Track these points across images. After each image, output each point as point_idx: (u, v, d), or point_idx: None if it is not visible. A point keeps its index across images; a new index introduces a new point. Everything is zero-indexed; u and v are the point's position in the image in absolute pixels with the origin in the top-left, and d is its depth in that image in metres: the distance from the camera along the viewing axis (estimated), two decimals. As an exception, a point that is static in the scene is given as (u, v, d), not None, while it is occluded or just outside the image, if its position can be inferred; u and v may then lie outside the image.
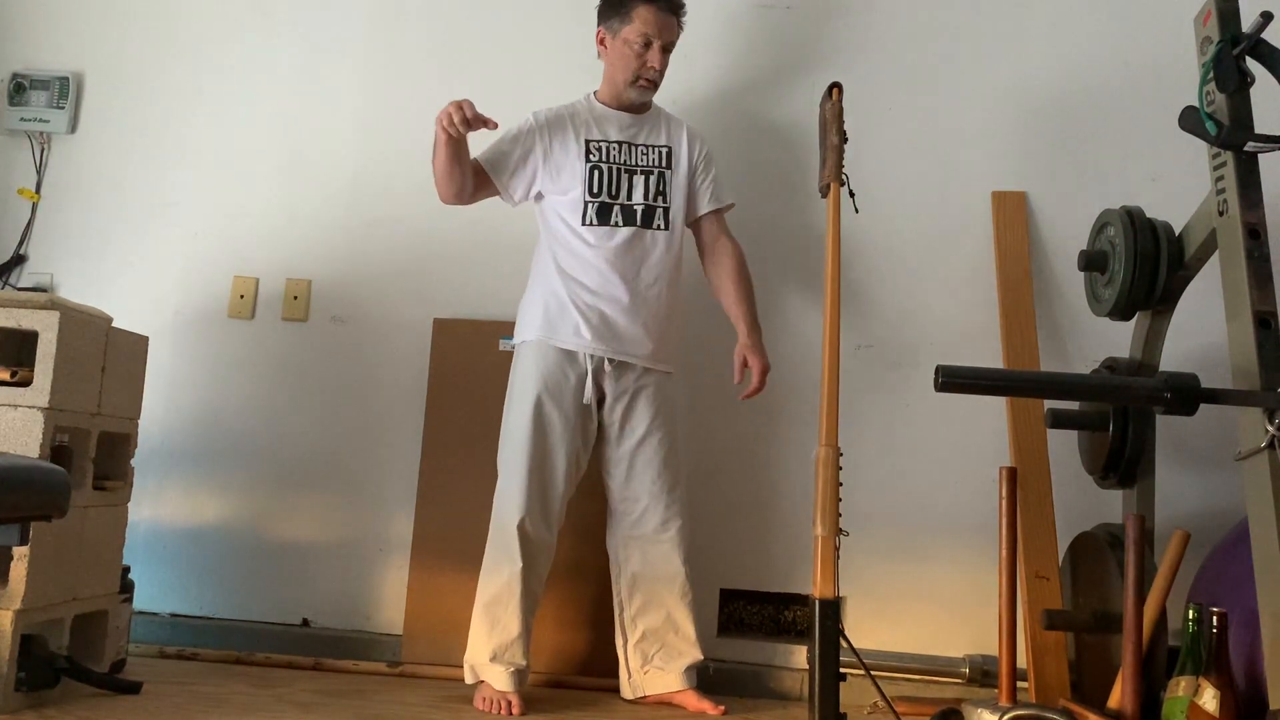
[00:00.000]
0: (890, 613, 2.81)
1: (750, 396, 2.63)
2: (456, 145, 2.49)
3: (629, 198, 2.61)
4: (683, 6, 2.66)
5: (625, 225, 2.59)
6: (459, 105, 2.42)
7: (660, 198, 2.64)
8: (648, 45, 2.61)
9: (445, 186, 2.58)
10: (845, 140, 2.59)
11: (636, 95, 2.65)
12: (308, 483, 3.00)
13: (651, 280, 2.60)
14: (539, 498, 2.50)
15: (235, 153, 3.13)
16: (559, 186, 2.62)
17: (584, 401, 2.55)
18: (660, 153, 2.67)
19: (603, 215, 2.58)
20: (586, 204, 2.58)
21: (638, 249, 2.60)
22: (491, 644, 2.47)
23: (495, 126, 2.47)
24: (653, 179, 2.64)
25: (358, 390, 3.02)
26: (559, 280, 2.58)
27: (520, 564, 2.47)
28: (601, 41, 2.67)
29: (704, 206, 2.72)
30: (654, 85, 2.66)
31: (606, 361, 2.56)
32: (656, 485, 2.58)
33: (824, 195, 2.57)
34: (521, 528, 2.48)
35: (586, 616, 2.77)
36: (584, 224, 2.58)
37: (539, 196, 2.66)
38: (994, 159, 2.95)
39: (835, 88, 2.64)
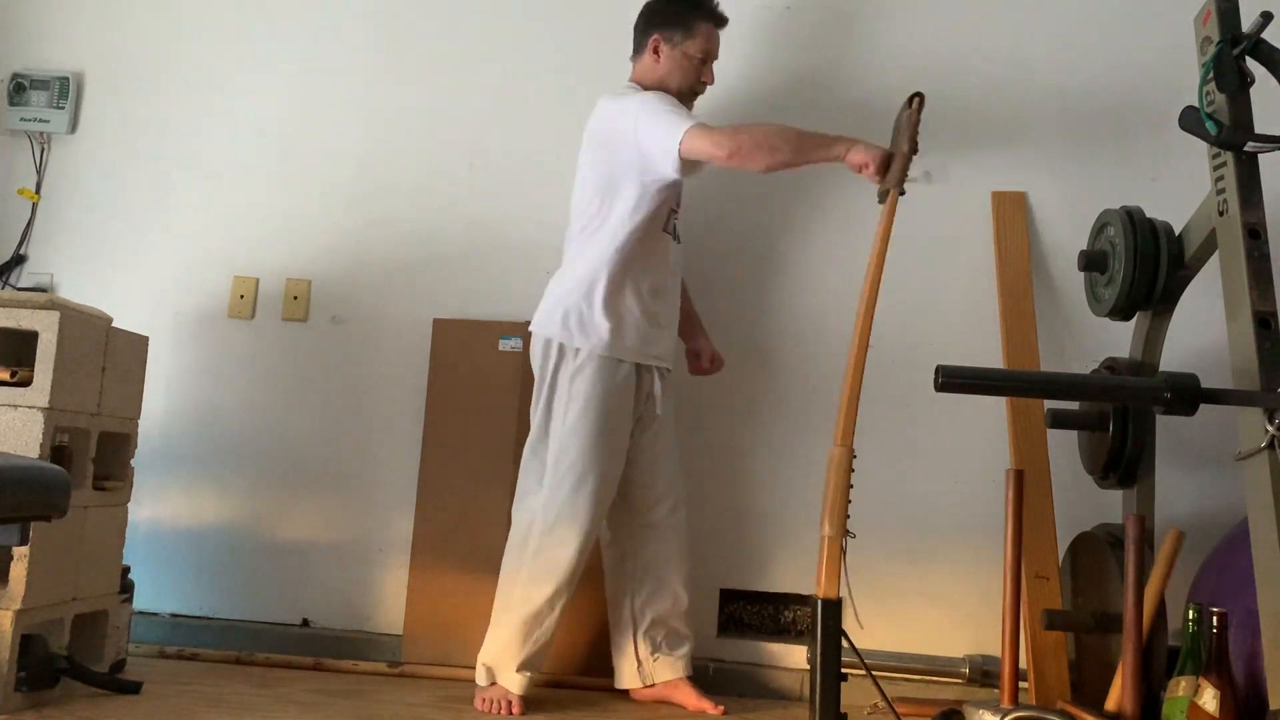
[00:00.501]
0: (891, 613, 2.81)
1: (701, 374, 2.79)
2: None
3: (676, 206, 2.63)
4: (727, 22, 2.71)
5: (673, 237, 2.63)
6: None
7: (679, 209, 2.66)
8: (705, 61, 2.64)
9: (781, 167, 2.49)
10: (915, 151, 2.48)
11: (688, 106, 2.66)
12: (308, 483, 3.00)
13: (679, 290, 2.68)
14: (601, 515, 2.52)
15: (235, 153, 3.13)
16: (651, 185, 2.51)
17: (638, 408, 2.57)
18: None
19: (670, 224, 2.61)
20: (672, 212, 2.60)
21: (676, 259, 2.64)
22: (523, 654, 2.46)
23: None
24: (678, 190, 2.65)
25: (358, 390, 3.02)
26: (633, 288, 2.52)
27: (570, 582, 2.47)
28: (655, 49, 2.63)
29: None
30: (696, 97, 2.68)
31: (656, 370, 2.60)
32: (669, 471, 2.63)
33: (881, 201, 2.50)
34: (585, 546, 2.47)
35: (589, 617, 2.77)
36: (664, 230, 2.58)
37: (621, 187, 2.52)
38: (994, 159, 2.95)
39: (917, 97, 2.53)
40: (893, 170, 2.46)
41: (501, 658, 2.48)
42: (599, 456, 2.48)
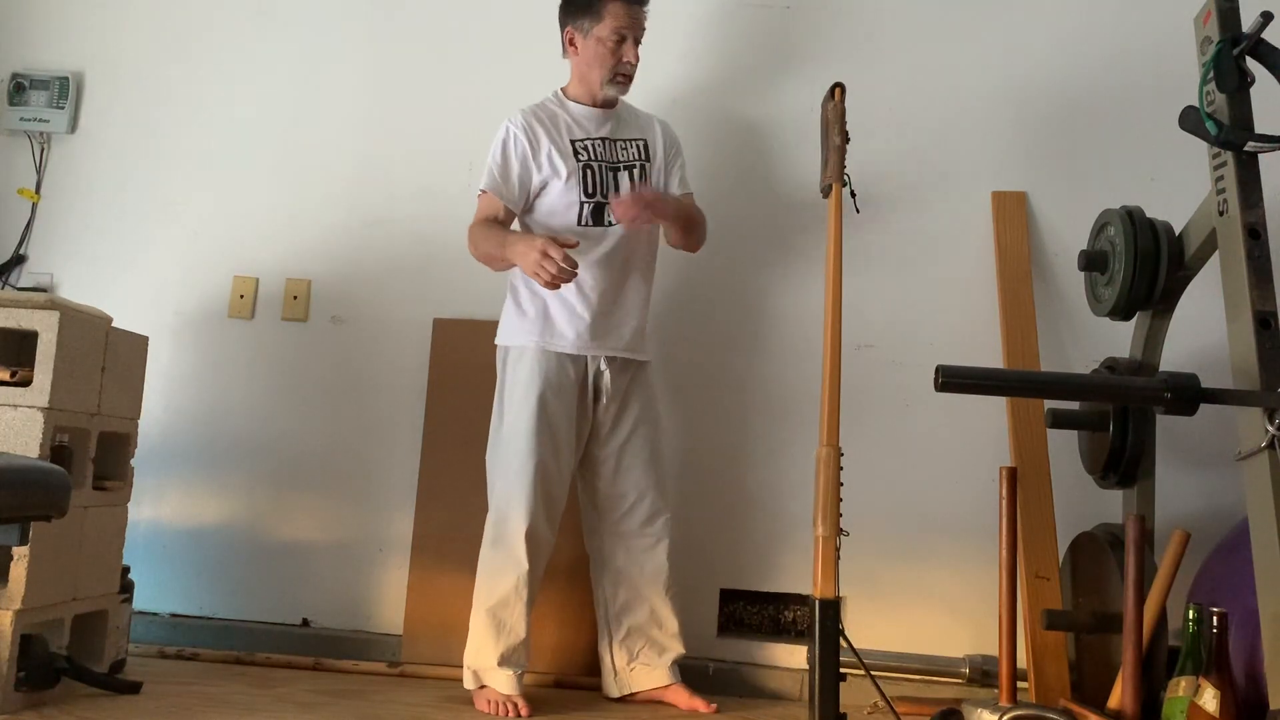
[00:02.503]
0: (890, 613, 2.81)
1: (628, 215, 2.52)
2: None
3: (618, 195, 2.60)
4: None
5: (618, 224, 2.59)
6: (550, 257, 2.37)
7: (599, 193, 2.62)
8: (621, 41, 2.60)
9: (490, 266, 2.62)
10: (847, 140, 2.57)
11: (614, 91, 2.64)
12: (308, 483, 3.00)
13: (640, 275, 2.63)
14: (544, 502, 2.50)
15: (235, 153, 3.13)
16: (549, 188, 2.60)
17: (585, 401, 2.56)
18: (638, 146, 2.68)
19: (597, 216, 2.58)
20: (582, 204, 2.58)
21: (627, 245, 2.60)
22: (499, 648, 2.46)
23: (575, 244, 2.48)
24: (635, 173, 2.64)
25: (358, 390, 3.02)
26: None
27: (526, 567, 2.47)
28: (571, 41, 2.65)
29: (673, 191, 2.71)
30: (629, 80, 2.65)
31: (604, 360, 2.57)
32: (644, 480, 2.60)
33: (825, 195, 2.57)
34: (530, 534, 2.47)
35: (587, 616, 2.77)
36: (580, 224, 2.57)
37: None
38: (994, 159, 2.95)
39: (838, 88, 2.63)
40: (831, 164, 2.53)
41: (480, 655, 2.48)
42: (536, 444, 2.49)
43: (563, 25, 2.67)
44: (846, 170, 2.55)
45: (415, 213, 3.05)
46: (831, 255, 2.44)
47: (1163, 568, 2.24)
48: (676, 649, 2.59)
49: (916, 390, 2.84)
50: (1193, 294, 2.42)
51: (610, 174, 2.61)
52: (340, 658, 2.81)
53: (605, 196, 2.59)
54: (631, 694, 2.60)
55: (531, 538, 2.47)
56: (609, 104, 2.68)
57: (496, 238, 2.52)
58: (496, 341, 2.65)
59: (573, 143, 2.61)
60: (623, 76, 2.62)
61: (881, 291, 2.92)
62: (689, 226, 2.67)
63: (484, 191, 2.61)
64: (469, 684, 2.51)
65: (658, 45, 2.75)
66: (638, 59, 2.63)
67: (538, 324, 2.56)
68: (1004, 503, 2.28)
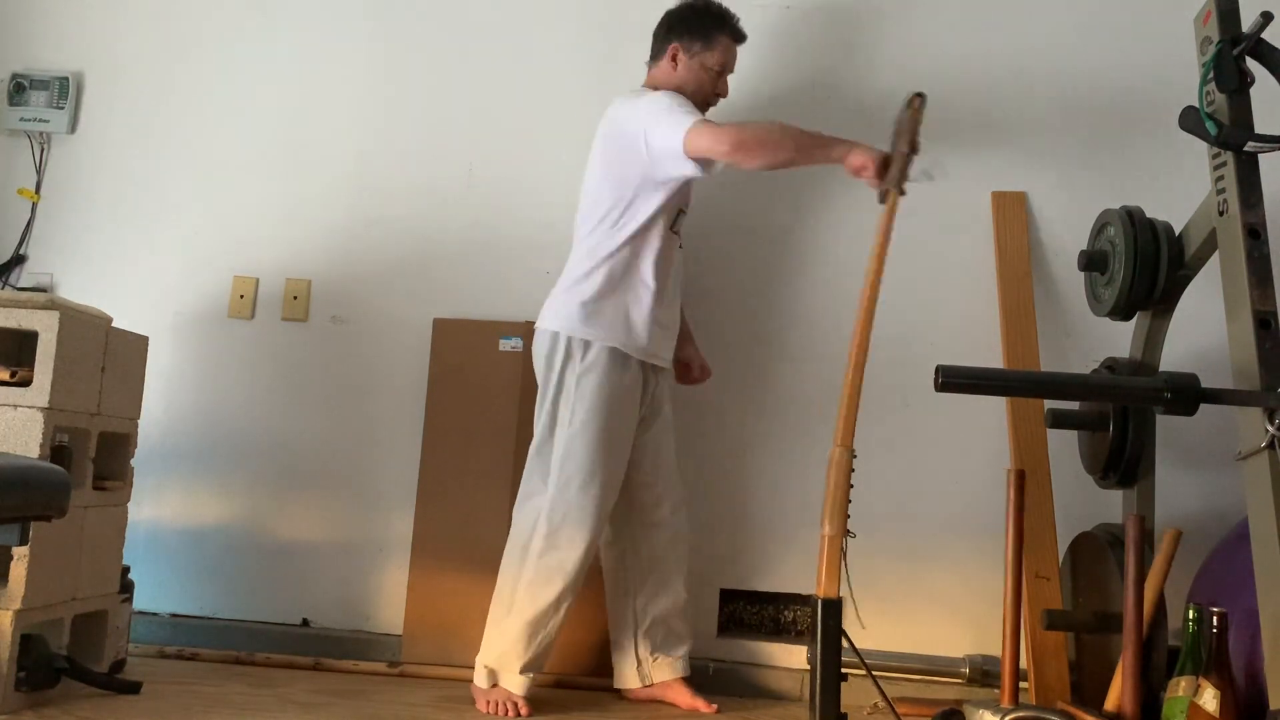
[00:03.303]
0: (890, 613, 2.81)
1: (689, 384, 2.79)
2: None
3: (684, 206, 2.63)
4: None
5: (678, 234, 2.62)
6: (890, 169, 2.44)
7: (687, 209, 2.66)
8: (722, 74, 2.66)
9: (781, 165, 2.57)
10: (915, 151, 2.49)
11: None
12: (308, 483, 3.00)
13: (679, 291, 2.68)
14: (606, 515, 2.51)
15: (235, 153, 3.12)
16: (660, 184, 2.52)
17: (640, 408, 2.57)
18: None
19: (677, 224, 2.61)
20: (680, 212, 2.60)
21: (680, 260, 2.66)
22: (528, 656, 2.45)
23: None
24: (687, 190, 2.65)
25: (358, 390, 3.02)
26: (643, 285, 2.52)
27: (576, 584, 2.47)
28: (674, 57, 2.64)
29: None
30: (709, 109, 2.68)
31: (655, 368, 2.60)
32: (670, 471, 2.64)
33: (882, 201, 2.48)
34: (588, 550, 2.46)
35: (592, 616, 2.76)
36: (671, 229, 2.58)
37: (643, 186, 2.52)
38: (994, 159, 2.95)
39: (917, 97, 2.57)
40: (892, 171, 2.46)
41: (505, 659, 2.47)
42: (606, 457, 2.47)
43: (668, 38, 2.66)
44: (909, 178, 2.48)
45: (415, 212, 3.05)
46: (875, 262, 2.39)
47: (1155, 564, 2.24)
48: (689, 639, 2.64)
49: (916, 390, 2.84)
50: (1193, 294, 2.42)
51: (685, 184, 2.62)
52: (340, 658, 2.81)
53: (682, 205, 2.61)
54: (651, 684, 2.61)
55: (589, 554, 2.48)
56: None
57: (811, 134, 2.47)
58: (551, 328, 2.52)
59: None
60: (713, 105, 2.68)
61: (882, 291, 2.91)
62: None
63: (694, 124, 2.41)
64: (482, 681, 2.48)
65: (658, 45, 2.75)
66: (727, 93, 2.70)
67: (618, 324, 2.50)
68: (1011, 505, 2.27)
